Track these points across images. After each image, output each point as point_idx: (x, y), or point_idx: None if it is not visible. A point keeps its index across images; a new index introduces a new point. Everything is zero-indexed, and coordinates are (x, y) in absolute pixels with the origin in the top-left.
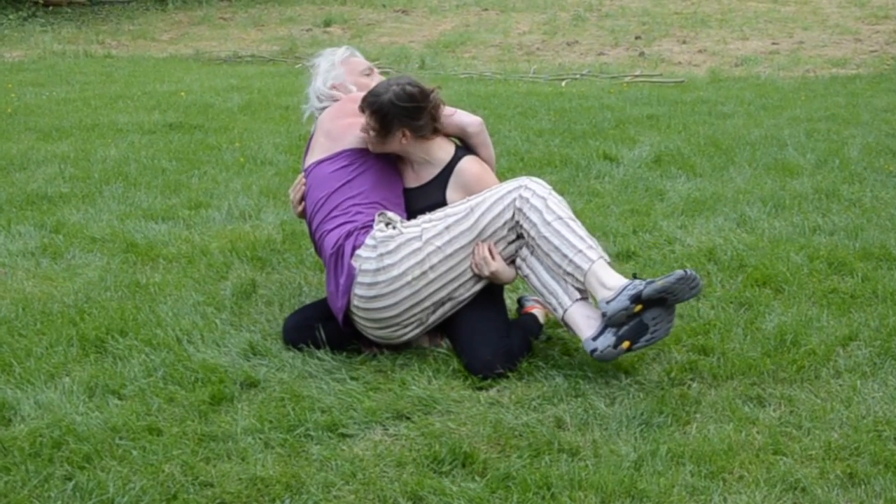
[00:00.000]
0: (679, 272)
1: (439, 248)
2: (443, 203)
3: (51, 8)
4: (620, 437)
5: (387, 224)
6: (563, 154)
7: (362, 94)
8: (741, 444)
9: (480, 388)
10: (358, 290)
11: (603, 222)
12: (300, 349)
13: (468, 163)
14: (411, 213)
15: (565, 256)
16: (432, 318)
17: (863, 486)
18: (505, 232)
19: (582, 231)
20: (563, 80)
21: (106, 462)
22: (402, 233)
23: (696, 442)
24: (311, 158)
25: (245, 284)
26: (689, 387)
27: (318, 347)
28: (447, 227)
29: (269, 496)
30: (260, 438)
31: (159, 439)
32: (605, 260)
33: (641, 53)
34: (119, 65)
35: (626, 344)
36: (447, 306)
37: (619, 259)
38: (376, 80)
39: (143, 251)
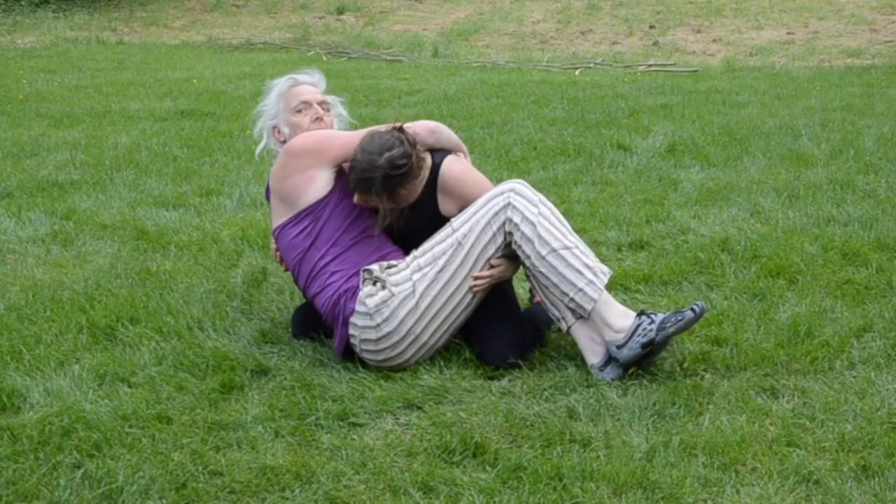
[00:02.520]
0: (690, 314)
1: (436, 296)
2: (438, 218)
3: None
4: (633, 427)
5: (374, 283)
6: (576, 143)
7: (298, 143)
8: (754, 436)
9: (492, 378)
10: (364, 355)
11: (616, 212)
12: (311, 338)
13: (446, 166)
14: (409, 232)
15: (565, 294)
16: (444, 340)
17: (876, 479)
18: (499, 252)
19: (578, 260)
20: (576, 68)
21: (115, 450)
22: (393, 294)
23: (708, 433)
24: (275, 221)
25: (256, 272)
26: (702, 378)
27: (328, 336)
28: (439, 272)
29: (278, 485)
30: (270, 427)
31: (169, 427)
32: (605, 283)
33: (655, 42)
34: (131, 52)
35: (632, 369)
36: (456, 326)
37: (632, 249)
38: (310, 114)
39: (154, 238)
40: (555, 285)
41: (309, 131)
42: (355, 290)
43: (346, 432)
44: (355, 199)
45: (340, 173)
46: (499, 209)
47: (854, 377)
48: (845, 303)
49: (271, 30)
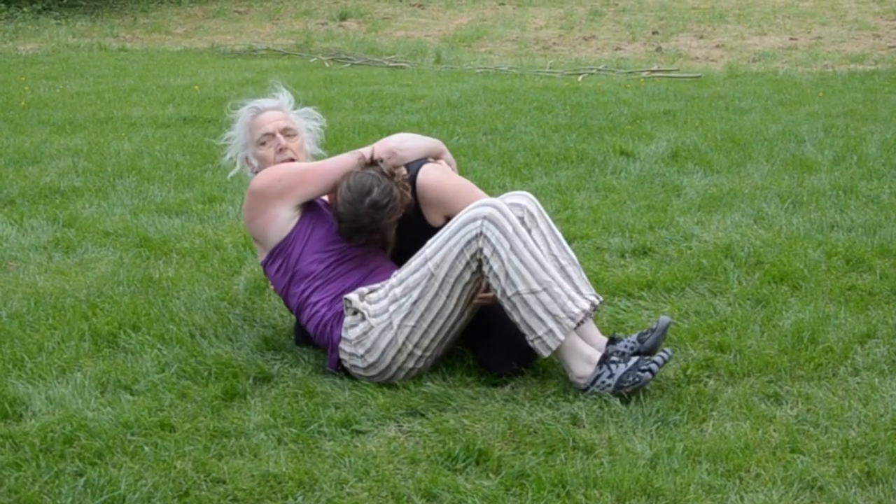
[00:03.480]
0: (648, 375)
1: (414, 326)
2: (426, 229)
3: (65, 1)
4: (636, 434)
5: (354, 313)
6: (579, 149)
7: (259, 182)
8: (758, 442)
9: (495, 385)
10: (356, 375)
11: (619, 218)
12: (314, 345)
13: (422, 177)
14: (403, 245)
15: (526, 334)
16: (437, 357)
17: (881, 485)
18: (475, 276)
19: (541, 306)
20: (579, 74)
21: (118, 458)
22: (372, 326)
23: (712, 440)
24: (258, 258)
25: (259, 279)
26: (706, 384)
27: None
28: (414, 303)
29: (281, 493)
30: (273, 434)
31: (171, 435)
32: (574, 325)
33: (658, 48)
34: (133, 58)
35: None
36: (446, 345)
37: (636, 255)
38: (273, 145)
39: (157, 246)
40: (517, 323)
41: (274, 165)
42: (340, 315)
43: (349, 440)
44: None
45: (307, 204)
46: (471, 238)
47: (858, 383)
48: (849, 309)
49: (274, 36)
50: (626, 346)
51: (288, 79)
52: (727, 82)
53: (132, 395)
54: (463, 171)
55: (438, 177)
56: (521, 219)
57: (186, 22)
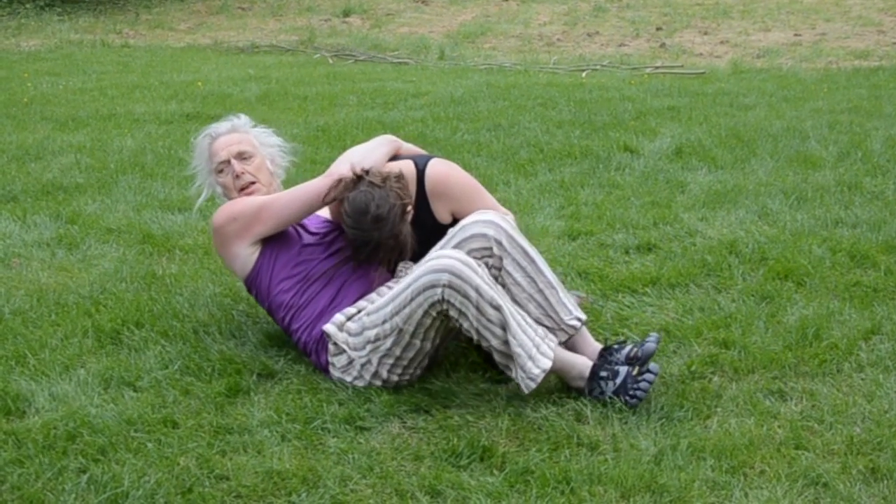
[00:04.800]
0: (652, 372)
1: (394, 363)
2: (436, 227)
3: None
4: (640, 431)
5: (335, 345)
6: (583, 146)
7: (219, 219)
8: (762, 439)
9: (499, 382)
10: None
11: (623, 214)
12: None
13: (429, 171)
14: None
15: (511, 371)
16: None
17: (885, 481)
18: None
19: (513, 351)
20: (583, 71)
21: (121, 455)
22: (353, 359)
23: (716, 436)
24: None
25: None
26: (710, 380)
27: None
28: (390, 349)
29: (285, 490)
30: (276, 431)
31: (175, 432)
32: (547, 368)
33: (662, 44)
34: (136, 54)
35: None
36: (440, 354)
37: (640, 251)
38: (230, 171)
39: (160, 242)
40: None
41: (231, 201)
42: (322, 339)
43: (353, 436)
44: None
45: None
46: (434, 301)
47: (862, 379)
48: (853, 305)
49: (277, 32)
50: (616, 360)
51: (291, 75)
52: (731, 78)
53: (135, 391)
54: (466, 168)
55: (446, 172)
56: (490, 250)
57: (189, 18)
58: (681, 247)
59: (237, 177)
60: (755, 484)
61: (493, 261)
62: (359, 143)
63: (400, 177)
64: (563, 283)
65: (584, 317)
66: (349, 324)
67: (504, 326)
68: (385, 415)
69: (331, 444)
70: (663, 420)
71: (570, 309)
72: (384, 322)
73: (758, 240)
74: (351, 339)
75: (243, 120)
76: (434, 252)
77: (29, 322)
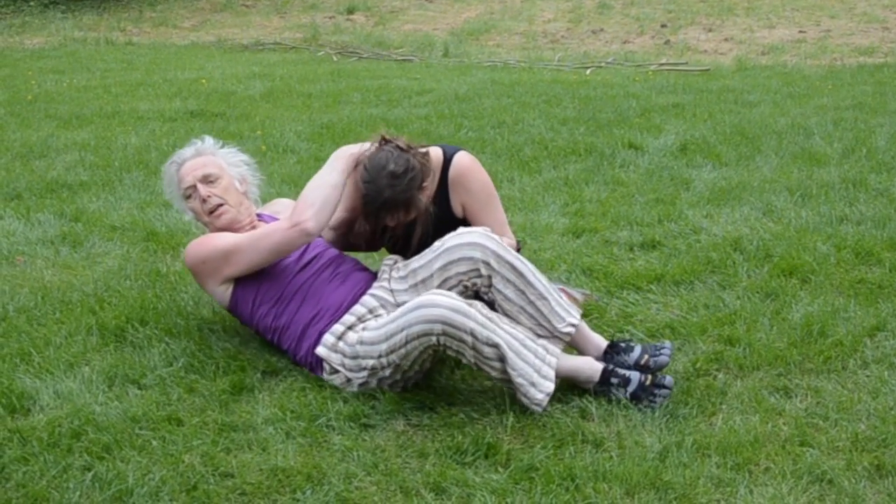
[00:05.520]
0: (670, 382)
1: (392, 384)
2: (449, 217)
3: None
4: (645, 428)
5: (331, 367)
6: (587, 142)
7: (190, 259)
8: (767, 436)
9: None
10: None
11: (628, 211)
12: None
13: (457, 160)
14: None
15: (519, 394)
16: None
17: (890, 478)
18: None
19: (519, 373)
20: (587, 68)
21: (125, 452)
22: (350, 378)
23: (721, 433)
24: None
25: None
26: (715, 377)
27: None
28: (388, 377)
29: (289, 487)
30: (281, 428)
31: (179, 429)
32: (551, 390)
33: (667, 41)
34: (140, 52)
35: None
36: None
37: (644, 248)
38: (199, 196)
39: (164, 240)
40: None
41: (203, 236)
42: (312, 354)
43: (358, 433)
44: (386, 221)
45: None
46: (430, 345)
47: (867, 376)
48: (858, 302)
49: (281, 30)
50: (624, 362)
51: (295, 72)
52: (736, 75)
53: (140, 389)
54: None
55: (470, 165)
56: (478, 271)
57: (193, 16)
58: (685, 244)
59: (204, 201)
60: (760, 481)
61: (482, 280)
62: (363, 139)
63: (426, 154)
64: (556, 288)
65: (577, 321)
66: (341, 345)
67: (502, 359)
68: (390, 412)
69: (335, 442)
70: (668, 417)
71: (563, 316)
72: (380, 356)
73: (762, 237)
74: (347, 361)
75: (208, 143)
76: (422, 268)
77: (33, 320)
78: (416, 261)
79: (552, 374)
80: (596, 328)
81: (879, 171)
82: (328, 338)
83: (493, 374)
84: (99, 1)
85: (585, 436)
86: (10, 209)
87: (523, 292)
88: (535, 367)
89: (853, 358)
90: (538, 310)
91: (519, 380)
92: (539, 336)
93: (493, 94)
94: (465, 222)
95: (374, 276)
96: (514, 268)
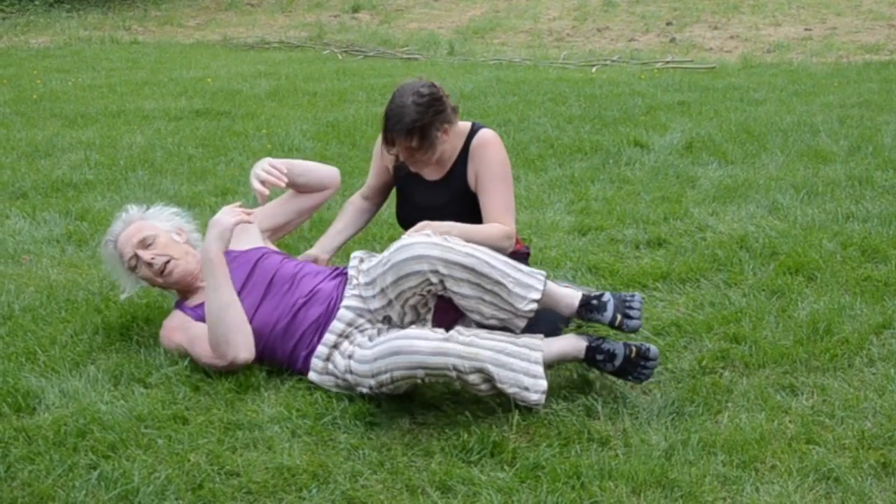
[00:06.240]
0: (655, 353)
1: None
2: (465, 192)
3: None
4: (651, 426)
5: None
6: (593, 141)
7: (163, 340)
8: (773, 434)
9: None
10: None
11: (634, 209)
12: None
13: (482, 132)
14: (436, 206)
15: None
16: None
17: None
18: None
19: (510, 384)
20: (593, 66)
21: (131, 451)
22: (349, 377)
23: (727, 431)
24: None
25: None
26: (721, 375)
27: None
28: (369, 391)
29: (295, 485)
30: (286, 427)
31: (185, 428)
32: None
33: (672, 39)
34: (145, 51)
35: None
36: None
37: (650, 246)
38: (142, 264)
39: None
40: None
41: (166, 322)
42: (302, 368)
43: (364, 432)
44: (393, 152)
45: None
46: (417, 383)
47: (873, 374)
48: (864, 299)
49: (286, 28)
50: (597, 319)
51: (300, 71)
52: (742, 73)
53: (145, 387)
54: None
55: (492, 140)
56: (428, 281)
57: (198, 14)
58: (691, 242)
59: (149, 265)
60: (766, 479)
61: (436, 287)
62: (368, 138)
63: (456, 107)
64: (512, 264)
65: (539, 294)
66: (331, 367)
67: (490, 380)
68: (395, 410)
69: (341, 440)
70: (674, 415)
71: (523, 295)
72: (371, 388)
73: (768, 234)
74: (340, 383)
75: (133, 210)
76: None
77: (39, 319)
78: (376, 268)
79: (541, 370)
80: (601, 327)
81: (886, 168)
82: (316, 362)
83: (483, 393)
84: (104, 0)
85: (591, 434)
86: (15, 208)
87: (478, 285)
88: (524, 370)
89: (859, 356)
90: (497, 296)
91: (511, 389)
92: (503, 319)
93: (498, 93)
94: (474, 196)
95: (335, 277)
96: (463, 266)
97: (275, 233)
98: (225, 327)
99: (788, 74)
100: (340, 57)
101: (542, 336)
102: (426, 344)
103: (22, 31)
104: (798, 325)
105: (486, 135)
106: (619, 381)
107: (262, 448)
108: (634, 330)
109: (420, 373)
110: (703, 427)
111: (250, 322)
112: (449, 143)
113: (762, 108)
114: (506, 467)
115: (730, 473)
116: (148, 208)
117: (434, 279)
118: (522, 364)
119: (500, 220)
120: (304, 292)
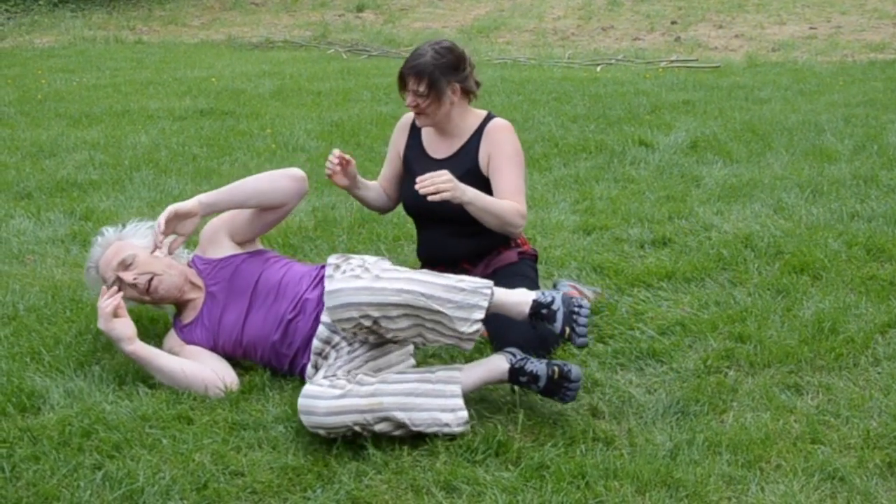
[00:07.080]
0: (576, 374)
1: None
2: (474, 173)
3: None
4: (656, 425)
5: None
6: (597, 140)
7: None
8: (778, 433)
9: None
10: None
11: (638, 208)
12: None
13: (498, 119)
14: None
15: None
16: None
17: None
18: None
19: (429, 424)
20: (598, 65)
21: (136, 451)
22: (348, 384)
23: (732, 430)
24: None
25: None
26: (726, 375)
27: None
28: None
29: (300, 485)
30: (291, 427)
31: (189, 428)
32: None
33: (677, 38)
34: (150, 51)
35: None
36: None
37: (655, 245)
38: (126, 286)
39: None
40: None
41: (166, 342)
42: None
43: None
44: (404, 97)
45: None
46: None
47: (879, 373)
48: (869, 299)
49: (291, 28)
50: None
51: (305, 70)
52: (746, 72)
53: (150, 387)
54: None
55: (507, 125)
56: (360, 322)
57: (203, 14)
58: (696, 241)
59: (133, 285)
60: (771, 478)
61: (371, 325)
62: (373, 138)
63: (476, 81)
64: (449, 286)
65: (482, 314)
66: (321, 379)
67: (402, 425)
68: None
69: (346, 440)
70: (679, 415)
71: (465, 317)
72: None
73: (773, 234)
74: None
75: (109, 233)
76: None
77: (44, 319)
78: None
79: (460, 402)
80: (606, 326)
81: (891, 167)
82: (311, 371)
83: (404, 435)
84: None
85: (596, 434)
86: (20, 208)
87: (416, 316)
88: (440, 406)
89: (864, 355)
90: (438, 323)
91: (431, 429)
92: (449, 344)
93: (503, 92)
94: (489, 184)
95: (317, 285)
96: (396, 305)
97: (249, 243)
98: (197, 382)
99: (793, 73)
100: (345, 56)
101: (460, 367)
102: (322, 404)
103: (26, 31)
104: (803, 324)
105: (502, 121)
106: (624, 381)
107: (266, 448)
108: (582, 347)
109: (322, 433)
110: (708, 427)
111: (241, 334)
112: (462, 121)
113: (767, 107)
114: (510, 467)
115: (735, 473)
116: (124, 227)
117: (366, 322)
118: (437, 402)
119: (512, 199)
120: (290, 304)
